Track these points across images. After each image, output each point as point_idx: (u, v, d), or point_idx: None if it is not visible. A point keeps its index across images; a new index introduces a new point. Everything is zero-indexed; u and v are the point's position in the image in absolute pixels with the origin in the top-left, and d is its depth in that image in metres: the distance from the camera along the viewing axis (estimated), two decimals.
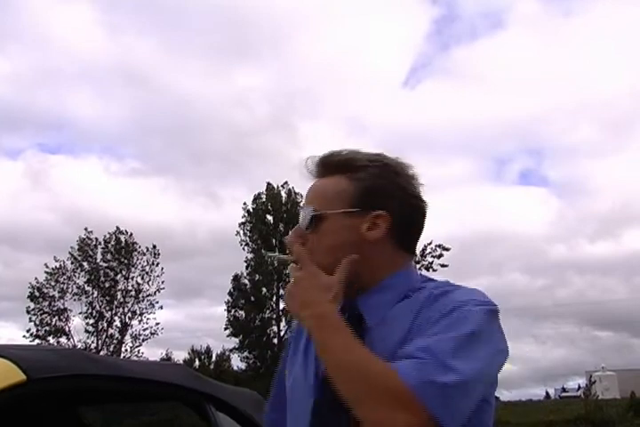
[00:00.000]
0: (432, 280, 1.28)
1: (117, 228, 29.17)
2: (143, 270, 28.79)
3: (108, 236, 28.94)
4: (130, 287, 28.61)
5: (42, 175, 55.23)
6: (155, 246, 29.14)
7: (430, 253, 24.42)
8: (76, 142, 61.97)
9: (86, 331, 27.65)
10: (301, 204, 1.32)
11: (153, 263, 28.95)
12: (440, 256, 24.36)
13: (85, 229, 28.76)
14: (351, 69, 61.35)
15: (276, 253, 1.38)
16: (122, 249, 28.80)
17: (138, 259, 29.01)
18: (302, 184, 1.35)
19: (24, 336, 26.97)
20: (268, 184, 27.18)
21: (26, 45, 53.18)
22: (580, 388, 36.11)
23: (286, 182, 27.05)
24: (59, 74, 52.90)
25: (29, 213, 44.34)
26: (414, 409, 0.99)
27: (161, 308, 28.84)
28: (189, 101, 49.87)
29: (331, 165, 1.28)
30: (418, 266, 24.12)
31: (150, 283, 28.68)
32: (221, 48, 57.49)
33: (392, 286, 1.23)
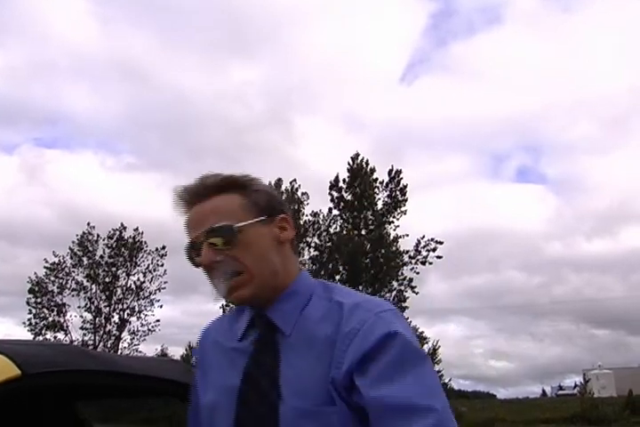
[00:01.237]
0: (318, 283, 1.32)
1: (122, 224, 29.00)
2: (147, 269, 28.68)
3: (112, 231, 28.82)
4: (132, 285, 28.52)
5: (37, 170, 55.27)
6: (164, 247, 28.94)
7: (425, 246, 24.33)
8: (71, 137, 62.28)
9: (82, 328, 27.67)
10: (188, 231, 1.27)
11: (158, 263, 28.85)
12: (434, 250, 24.29)
13: (88, 224, 28.64)
14: (348, 65, 61.67)
15: None
16: (124, 245, 28.64)
17: (143, 257, 28.89)
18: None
19: (23, 323, 27.10)
20: (279, 180, 26.55)
21: (21, 39, 53.33)
22: (576, 386, 36.31)
23: (280, 179, 26.61)
24: (54, 68, 53.15)
25: (24, 207, 44.38)
26: None
27: (160, 307, 28.84)
28: (186, 96, 50.04)
29: (211, 188, 1.27)
30: (413, 261, 24.15)
31: (152, 281, 28.60)
32: (219, 43, 57.71)
33: (299, 290, 1.27)
